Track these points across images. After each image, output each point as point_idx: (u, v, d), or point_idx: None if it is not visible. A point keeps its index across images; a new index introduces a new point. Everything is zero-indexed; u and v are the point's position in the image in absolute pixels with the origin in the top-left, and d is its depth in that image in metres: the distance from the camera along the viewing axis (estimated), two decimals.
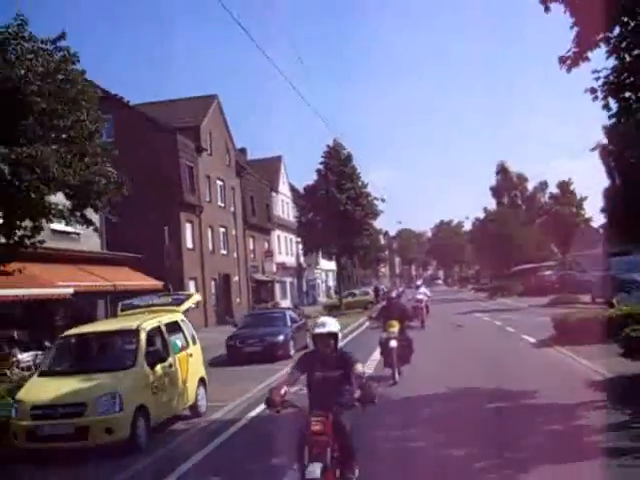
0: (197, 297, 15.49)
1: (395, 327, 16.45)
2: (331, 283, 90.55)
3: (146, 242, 31.64)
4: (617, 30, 12.54)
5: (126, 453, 10.37)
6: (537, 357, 18.50)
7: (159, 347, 12.05)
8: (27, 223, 13.74)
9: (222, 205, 49.45)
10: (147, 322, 12.10)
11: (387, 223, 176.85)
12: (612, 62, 12.93)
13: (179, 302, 14.15)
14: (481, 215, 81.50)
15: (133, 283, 26.59)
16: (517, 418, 10.91)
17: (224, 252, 48.96)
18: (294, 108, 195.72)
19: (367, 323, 31.42)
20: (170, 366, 12.07)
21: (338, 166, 48.00)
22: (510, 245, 62.80)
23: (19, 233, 13.70)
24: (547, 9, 12.83)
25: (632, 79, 12.98)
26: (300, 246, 69.48)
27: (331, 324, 7.37)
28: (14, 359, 18.86)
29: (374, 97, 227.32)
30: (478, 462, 8.54)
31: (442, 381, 14.73)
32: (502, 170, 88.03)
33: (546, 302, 36.99)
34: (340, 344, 7.57)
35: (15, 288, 18.02)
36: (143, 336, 11.55)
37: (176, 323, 13.38)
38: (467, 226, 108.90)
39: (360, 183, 48.83)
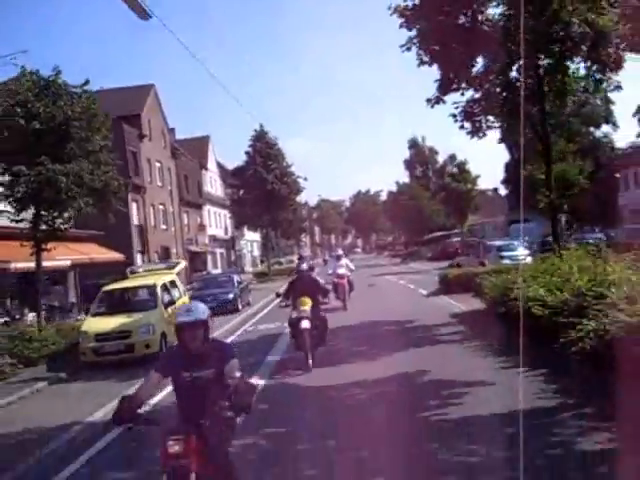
0: (183, 263, 21.72)
1: (307, 305, 14.12)
2: (256, 253, 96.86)
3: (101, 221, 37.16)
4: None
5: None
6: (424, 302, 25.37)
7: (168, 296, 18.20)
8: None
9: (160, 185, 54.91)
10: (158, 280, 18.30)
11: (307, 193, 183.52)
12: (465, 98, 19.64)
13: (172, 267, 20.32)
14: (394, 188, 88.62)
15: (103, 256, 32.23)
16: (399, 333, 17.45)
17: (164, 227, 54.55)
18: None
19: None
20: (175, 308, 18.25)
21: (265, 149, 54.11)
22: (420, 215, 70.07)
23: (57, 222, 19.51)
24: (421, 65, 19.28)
25: (477, 111, 19.71)
26: (229, 219, 75.73)
27: (199, 311, 5.85)
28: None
29: (290, 70, 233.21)
30: (373, 351, 14.95)
31: (353, 319, 21.11)
32: (414, 144, 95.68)
33: (447, 265, 44.09)
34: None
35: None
36: (158, 289, 17.74)
37: (173, 281, 19.56)
38: (384, 196, 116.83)
39: (285, 163, 55.18)
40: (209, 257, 69.19)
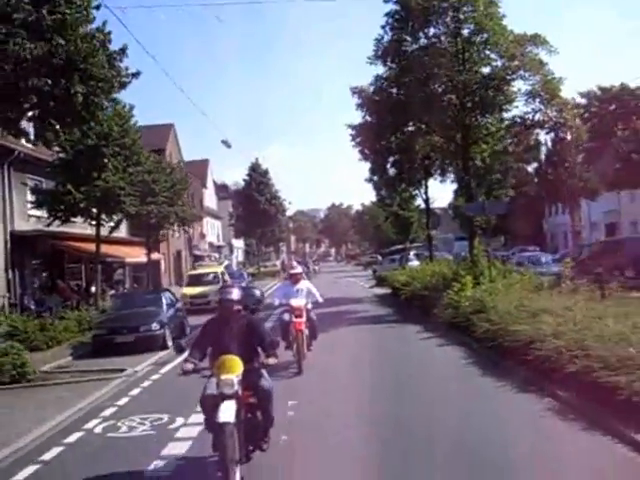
0: (227, 262, 37.59)
1: (234, 371, 7.17)
2: (240, 258, 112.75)
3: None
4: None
5: None
6: (363, 288, 41.68)
7: (224, 278, 34.12)
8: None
9: None
10: (219, 269, 34.21)
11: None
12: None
13: (220, 263, 36.24)
14: (360, 207, 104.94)
15: (152, 257, 47.80)
16: (349, 301, 32.99)
17: (177, 235, 70.15)
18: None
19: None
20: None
21: (258, 178, 70.26)
22: (379, 232, 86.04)
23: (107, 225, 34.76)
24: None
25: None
26: (220, 229, 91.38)
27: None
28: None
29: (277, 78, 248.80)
30: (337, 307, 30.68)
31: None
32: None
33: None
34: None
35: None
36: (219, 273, 33.62)
37: (223, 272, 35.40)
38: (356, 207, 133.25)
39: (274, 190, 71.40)
40: (206, 260, 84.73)
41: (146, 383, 14.73)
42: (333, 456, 8.18)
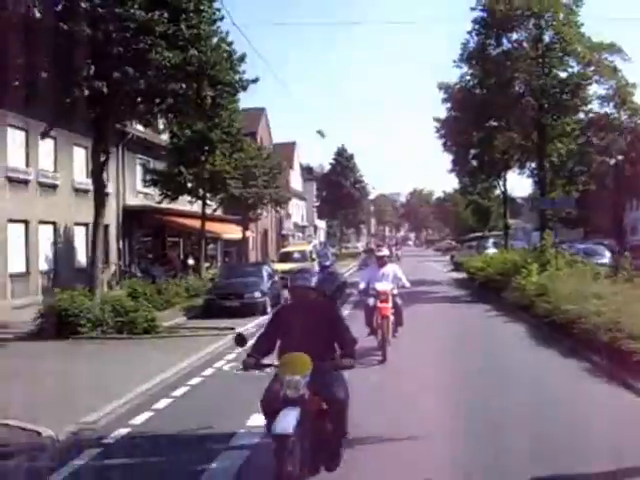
0: (315, 241, 40.65)
1: (301, 370, 6.10)
2: (322, 238, 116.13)
3: None
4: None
5: None
6: (441, 272, 44.17)
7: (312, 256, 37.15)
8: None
9: None
10: (307, 247, 37.27)
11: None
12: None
13: (309, 242, 39.29)
14: (441, 194, 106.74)
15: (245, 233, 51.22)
16: (429, 283, 35.35)
17: (265, 214, 73.63)
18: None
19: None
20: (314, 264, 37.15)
21: (344, 162, 73.06)
22: (459, 220, 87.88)
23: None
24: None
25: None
26: (304, 210, 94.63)
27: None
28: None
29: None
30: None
31: None
32: None
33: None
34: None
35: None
36: (307, 252, 36.65)
37: (311, 251, 38.42)
38: (437, 194, 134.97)
39: (358, 174, 74.10)
40: (290, 239, 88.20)
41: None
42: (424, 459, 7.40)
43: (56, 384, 11.78)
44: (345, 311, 19.63)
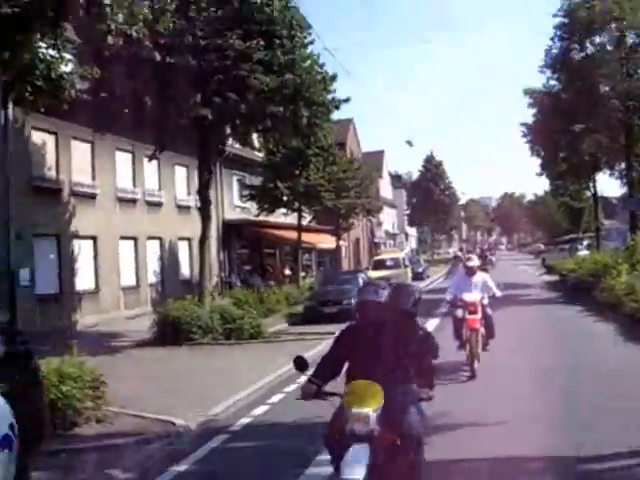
0: (408, 249, 41.63)
1: (371, 403, 5.28)
2: (413, 245, 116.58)
3: None
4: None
5: None
6: (533, 276, 44.23)
7: (404, 262, 38.11)
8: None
9: None
10: (400, 254, 38.24)
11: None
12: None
13: (402, 249, 40.30)
14: (533, 197, 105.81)
15: (338, 243, 52.52)
16: (521, 286, 35.46)
17: (356, 223, 74.90)
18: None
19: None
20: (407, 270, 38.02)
21: (433, 169, 73.68)
22: (551, 222, 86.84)
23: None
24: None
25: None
26: (395, 218, 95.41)
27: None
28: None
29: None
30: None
31: None
32: None
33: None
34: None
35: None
36: (400, 259, 37.64)
37: (404, 258, 39.39)
38: (528, 197, 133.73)
39: (447, 180, 74.54)
40: (382, 246, 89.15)
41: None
42: None
43: (182, 383, 13.37)
44: (433, 322, 19.68)
